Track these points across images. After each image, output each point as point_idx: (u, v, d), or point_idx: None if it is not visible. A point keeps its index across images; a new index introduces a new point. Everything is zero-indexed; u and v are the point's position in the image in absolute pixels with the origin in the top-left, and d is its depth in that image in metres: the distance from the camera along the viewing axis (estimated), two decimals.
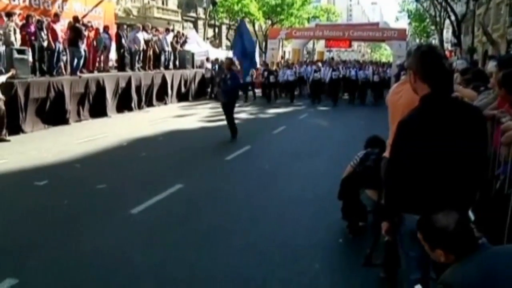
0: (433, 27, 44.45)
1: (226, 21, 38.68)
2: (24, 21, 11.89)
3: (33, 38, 11.67)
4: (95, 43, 14.51)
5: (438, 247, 1.96)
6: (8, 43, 10.91)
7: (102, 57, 15.06)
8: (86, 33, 13.42)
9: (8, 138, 9.54)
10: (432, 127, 2.31)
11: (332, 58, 31.71)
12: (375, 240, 4.05)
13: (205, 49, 21.73)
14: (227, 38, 39.89)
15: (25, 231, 4.81)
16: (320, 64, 21.59)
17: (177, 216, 5.40)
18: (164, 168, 7.61)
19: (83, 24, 13.52)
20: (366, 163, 4.51)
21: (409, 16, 48.01)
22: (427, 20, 44.97)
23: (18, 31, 11.32)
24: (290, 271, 4.01)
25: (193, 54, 20.33)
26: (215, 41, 30.15)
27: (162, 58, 17.48)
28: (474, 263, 1.85)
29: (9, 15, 11.53)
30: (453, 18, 31.89)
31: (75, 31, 12.61)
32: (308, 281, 3.86)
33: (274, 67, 22.17)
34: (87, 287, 3.71)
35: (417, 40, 49.27)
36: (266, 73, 20.38)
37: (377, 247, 3.97)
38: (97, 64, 14.73)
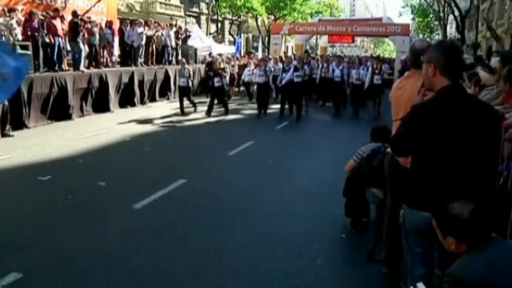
0: (436, 23, 44.41)
1: (229, 16, 38.60)
2: (27, 17, 11.88)
3: (36, 34, 11.67)
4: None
5: (449, 235, 1.97)
6: (10, 39, 10.91)
7: (105, 53, 15.03)
8: (83, 28, 13.23)
9: (11, 133, 9.56)
10: (448, 118, 2.30)
11: (307, 51, 22.77)
12: (378, 235, 4.06)
13: (208, 44, 21.65)
14: (230, 34, 39.82)
15: (28, 226, 4.83)
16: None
17: (181, 211, 5.41)
18: (168, 163, 7.63)
19: (81, 19, 13.39)
20: (373, 164, 4.42)
21: (412, 12, 47.95)
22: (431, 15, 44.93)
23: (19, 27, 11.30)
24: (294, 266, 4.03)
25: (195, 50, 20.26)
26: (218, 37, 30.06)
27: (166, 53, 17.44)
28: (484, 255, 1.85)
29: (11, 10, 11.54)
30: (456, 13, 31.77)
31: (73, 26, 12.58)
32: (311, 275, 3.88)
33: (222, 65, 16.15)
34: (90, 282, 3.73)
35: (421, 36, 49.12)
36: (211, 74, 13.91)
37: (380, 242, 3.99)
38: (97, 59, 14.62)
